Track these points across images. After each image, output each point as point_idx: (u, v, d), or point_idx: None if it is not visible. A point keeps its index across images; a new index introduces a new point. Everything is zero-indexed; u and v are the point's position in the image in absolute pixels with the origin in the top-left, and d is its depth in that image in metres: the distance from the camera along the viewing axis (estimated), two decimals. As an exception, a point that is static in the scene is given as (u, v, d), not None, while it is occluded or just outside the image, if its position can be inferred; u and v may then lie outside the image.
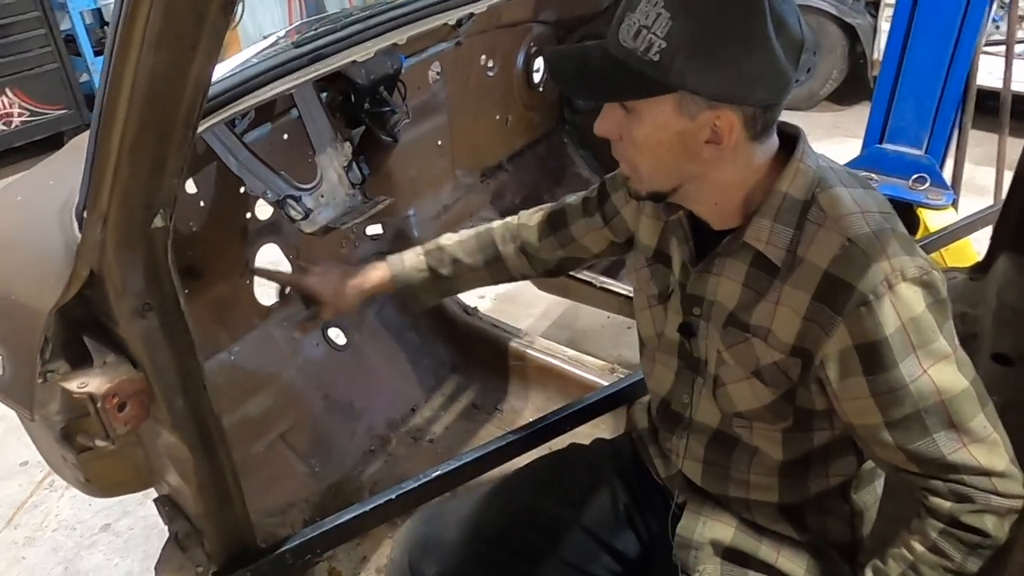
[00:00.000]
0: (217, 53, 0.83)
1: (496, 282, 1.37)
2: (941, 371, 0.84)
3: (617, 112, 0.89)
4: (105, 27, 4.96)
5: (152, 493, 2.10)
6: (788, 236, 0.89)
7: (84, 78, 4.52)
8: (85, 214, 0.91)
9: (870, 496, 1.07)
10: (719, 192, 0.92)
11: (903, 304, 0.83)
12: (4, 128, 4.17)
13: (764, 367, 0.93)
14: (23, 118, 4.23)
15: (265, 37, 2.84)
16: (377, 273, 1.32)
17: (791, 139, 0.92)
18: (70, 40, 4.39)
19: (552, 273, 1.33)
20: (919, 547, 0.88)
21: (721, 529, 1.06)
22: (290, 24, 5.73)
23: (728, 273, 0.95)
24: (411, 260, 1.32)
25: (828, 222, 0.86)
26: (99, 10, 4.88)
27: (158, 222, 0.95)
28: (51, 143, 4.45)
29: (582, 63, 0.90)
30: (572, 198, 1.27)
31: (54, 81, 4.30)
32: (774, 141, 0.91)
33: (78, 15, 4.33)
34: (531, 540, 1.14)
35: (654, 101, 0.84)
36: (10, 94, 4.13)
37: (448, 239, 1.33)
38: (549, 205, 1.30)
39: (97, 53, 4.52)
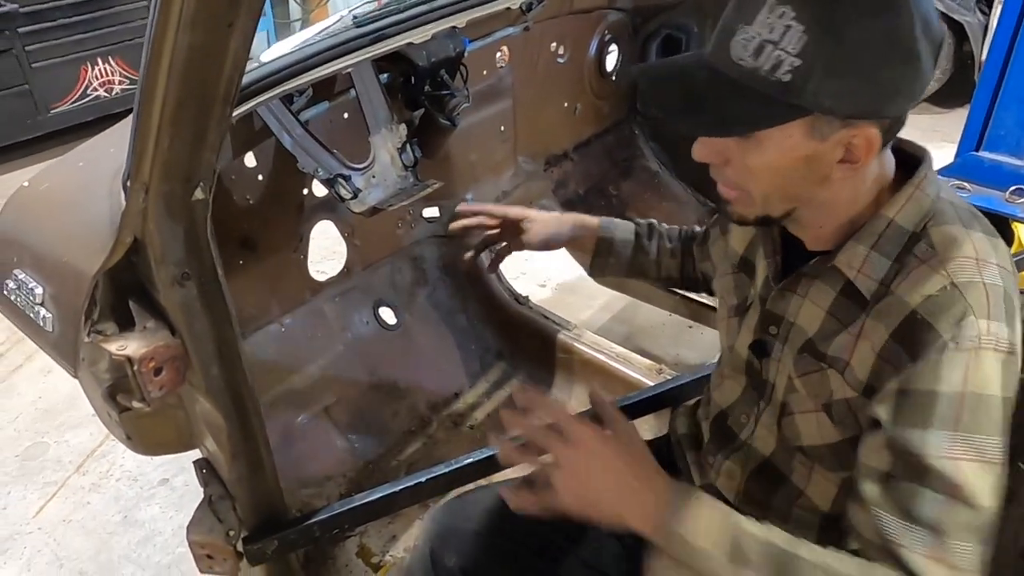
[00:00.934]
0: (254, 31, 0.84)
1: (668, 280, 1.32)
2: (971, 471, 0.71)
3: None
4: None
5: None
6: (885, 268, 0.79)
7: (181, 49, 4.72)
8: (129, 183, 0.94)
9: None
10: (831, 215, 0.83)
11: (979, 373, 0.71)
12: (106, 95, 4.39)
13: (835, 402, 0.84)
14: (123, 86, 4.44)
15: (355, 17, 2.89)
16: (586, 219, 1.29)
17: (914, 160, 0.83)
18: (170, 13, 4.59)
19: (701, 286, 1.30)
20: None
21: None
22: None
23: (813, 297, 0.87)
24: (622, 223, 1.30)
25: (934, 260, 0.76)
26: (199, -16, 5.09)
27: (198, 194, 0.98)
28: (147, 111, 4.69)
29: (686, 87, 0.79)
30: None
31: (154, 52, 4.51)
32: (890, 159, 0.83)
33: (179, -12, 4.52)
34: (552, 538, 1.13)
35: (785, 128, 0.74)
36: (112, 62, 4.35)
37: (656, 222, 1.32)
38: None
39: (194, 26, 4.71)
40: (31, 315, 1.09)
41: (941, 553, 0.71)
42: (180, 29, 0.78)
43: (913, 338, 0.75)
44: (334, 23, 1.54)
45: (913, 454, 0.73)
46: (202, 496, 1.33)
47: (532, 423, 0.85)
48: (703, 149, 0.82)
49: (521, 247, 1.31)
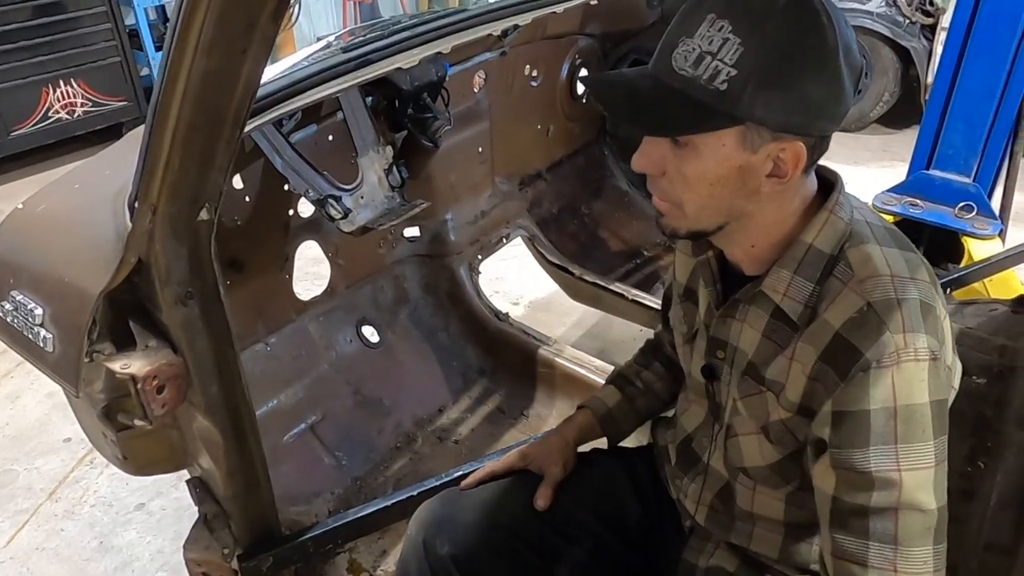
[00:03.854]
0: (266, 58, 0.87)
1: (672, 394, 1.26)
2: (915, 479, 0.75)
3: (663, 146, 0.83)
4: (167, 24, 5.14)
5: (185, 476, 2.18)
6: (807, 291, 0.84)
7: (144, 72, 4.69)
8: (136, 204, 0.96)
9: None
10: (761, 234, 0.87)
11: (904, 386, 0.76)
12: (67, 117, 4.34)
13: (772, 423, 0.89)
14: (85, 108, 4.40)
15: (319, 39, 2.92)
16: (580, 418, 1.26)
17: (828, 185, 0.87)
18: (133, 35, 4.56)
19: None
20: None
21: (726, 559, 1.05)
22: (344, 26, 5.86)
23: (751, 321, 0.91)
24: (603, 392, 1.28)
25: (852, 282, 0.80)
26: (163, 7, 5.06)
27: (204, 215, 1.00)
28: (111, 133, 4.62)
29: (630, 92, 0.83)
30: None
31: (116, 74, 4.47)
32: (812, 182, 0.87)
33: (142, 11, 4.50)
34: (543, 533, 1.15)
35: (715, 134, 0.78)
36: (75, 84, 4.30)
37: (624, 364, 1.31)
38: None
39: (158, 48, 4.68)
40: (30, 336, 1.09)
41: (904, 564, 0.75)
42: (197, 55, 0.82)
43: (839, 359, 0.78)
44: (320, 48, 1.58)
45: (858, 472, 0.77)
46: (196, 515, 1.33)
47: None
48: (642, 159, 0.85)
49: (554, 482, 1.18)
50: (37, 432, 2.48)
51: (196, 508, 1.33)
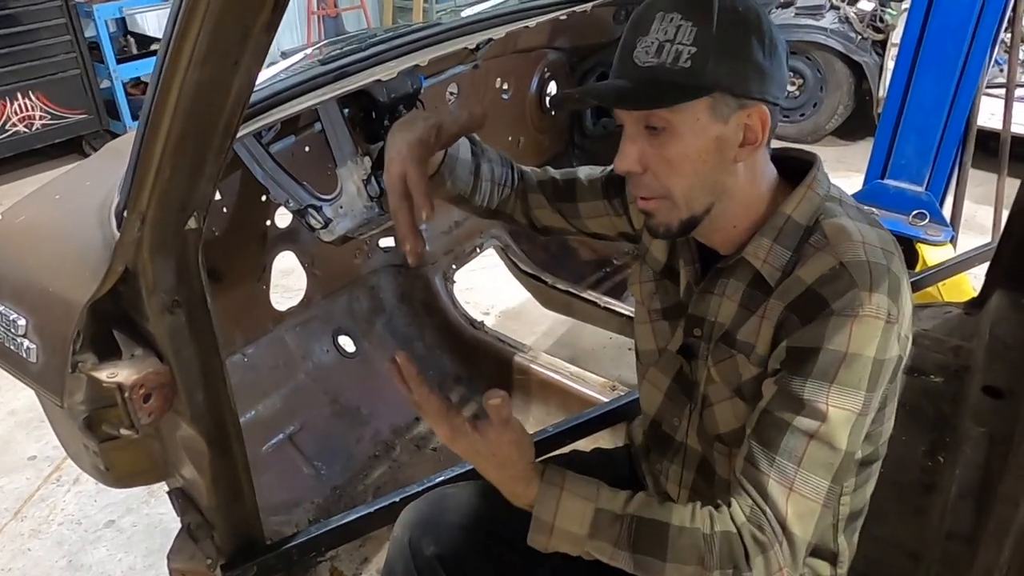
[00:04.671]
0: (258, 69, 0.89)
1: (491, 209, 1.23)
2: (836, 416, 0.83)
3: (640, 142, 0.90)
4: (128, 36, 5.08)
5: (157, 493, 2.15)
6: (785, 258, 0.90)
7: (105, 84, 4.61)
8: (125, 213, 0.97)
9: (853, 536, 1.07)
10: (741, 212, 0.93)
11: (859, 336, 0.82)
12: (25, 130, 4.26)
13: (745, 383, 0.94)
14: (44, 121, 4.32)
15: (283, 53, 2.92)
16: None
17: (807, 165, 0.95)
18: (94, 47, 4.49)
19: (536, 231, 1.28)
20: (698, 524, 0.86)
21: None
22: (308, 40, 5.86)
23: (729, 293, 0.96)
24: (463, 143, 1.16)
25: (827, 247, 0.87)
26: (123, 19, 5.01)
27: (192, 224, 1.01)
28: (70, 146, 4.55)
29: (611, 90, 0.91)
30: (584, 172, 1.23)
31: (75, 86, 4.40)
32: (771, 165, 0.95)
33: (103, 23, 4.44)
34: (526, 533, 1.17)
35: (689, 110, 0.85)
36: (32, 97, 4.23)
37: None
38: (559, 172, 1.24)
39: (119, 61, 4.62)
40: (12, 347, 1.09)
41: (792, 479, 0.83)
42: (191, 66, 0.83)
43: (805, 308, 0.86)
44: (298, 60, 1.59)
45: (790, 395, 0.84)
46: (168, 531, 1.33)
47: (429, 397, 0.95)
48: (624, 159, 0.91)
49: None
50: (0, 451, 2.43)
51: (168, 524, 1.32)
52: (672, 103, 0.86)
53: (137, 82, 4.98)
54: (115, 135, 4.68)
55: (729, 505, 0.86)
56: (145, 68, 4.82)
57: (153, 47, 5.06)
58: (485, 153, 1.21)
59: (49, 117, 4.32)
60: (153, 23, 5.17)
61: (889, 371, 0.86)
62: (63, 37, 4.25)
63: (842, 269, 0.85)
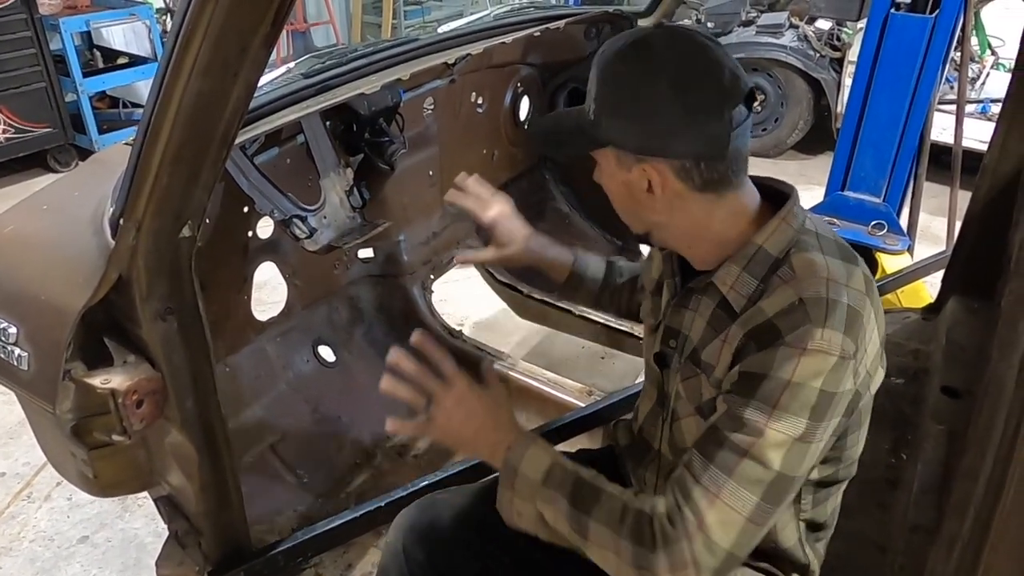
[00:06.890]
0: (256, 81, 0.92)
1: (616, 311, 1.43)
2: (772, 438, 0.84)
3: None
4: (94, 50, 5.02)
5: (131, 507, 2.13)
6: (752, 287, 0.93)
7: (70, 97, 4.55)
8: (121, 221, 0.99)
9: (818, 545, 1.10)
10: (688, 238, 0.98)
11: (806, 367, 0.84)
12: (-12, 143, 4.19)
13: (705, 403, 0.97)
14: (8, 135, 4.25)
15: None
16: (560, 252, 1.36)
17: (783, 197, 0.98)
18: (59, 60, 4.44)
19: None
20: (627, 497, 0.92)
21: None
22: (277, 56, 5.84)
23: (700, 310, 1.00)
24: (594, 260, 1.39)
25: (793, 281, 0.89)
26: (89, 33, 4.95)
27: (186, 232, 1.03)
28: (34, 160, 4.48)
29: (555, 124, 1.05)
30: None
31: (40, 100, 4.34)
32: (751, 194, 0.97)
33: (69, 36, 4.39)
34: (517, 537, 1.20)
35: (602, 155, 0.96)
36: (-3, 111, 4.17)
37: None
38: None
39: (85, 74, 4.56)
40: (2, 355, 1.09)
41: (726, 496, 0.85)
42: (192, 76, 0.86)
43: (761, 337, 0.88)
44: (281, 74, 1.62)
45: (734, 414, 0.87)
46: (143, 545, 1.33)
47: (421, 367, 1.07)
48: (594, 172, 1.02)
49: (494, 259, 1.39)
50: (-32, 468, 2.38)
51: (143, 539, 1.32)
52: (571, 151, 1.01)
53: (103, 96, 4.92)
54: (80, 149, 4.62)
55: (649, 496, 0.92)
56: (111, 82, 4.76)
57: (120, 60, 5.01)
58: (613, 270, 1.39)
59: (13, 131, 4.25)
60: (119, 37, 5.12)
61: (842, 404, 0.88)
62: (28, 50, 4.19)
63: (800, 304, 0.87)
